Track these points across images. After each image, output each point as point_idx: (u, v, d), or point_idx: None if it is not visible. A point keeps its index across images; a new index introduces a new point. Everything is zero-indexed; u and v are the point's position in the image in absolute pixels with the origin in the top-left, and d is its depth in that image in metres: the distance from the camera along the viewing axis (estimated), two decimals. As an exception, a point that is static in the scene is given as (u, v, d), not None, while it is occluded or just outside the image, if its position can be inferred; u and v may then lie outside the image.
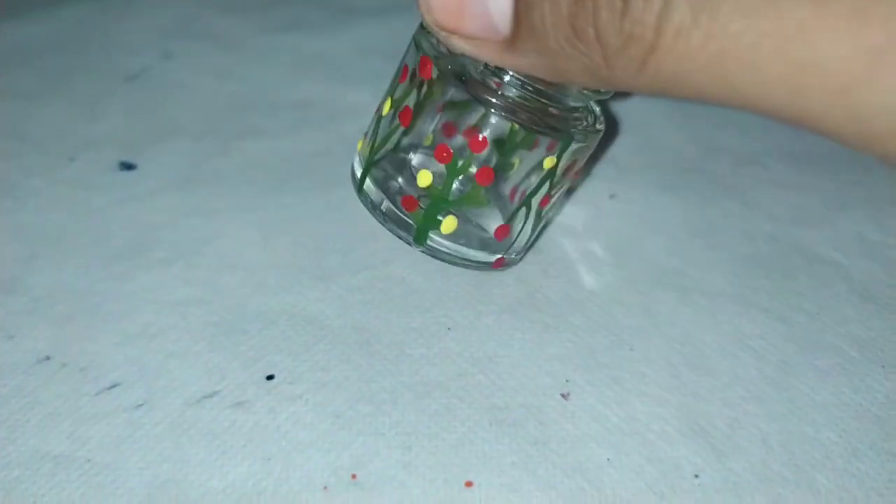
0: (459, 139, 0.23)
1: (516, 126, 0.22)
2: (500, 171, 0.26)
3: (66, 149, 0.31)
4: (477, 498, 0.20)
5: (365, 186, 0.24)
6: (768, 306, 0.25)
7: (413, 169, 0.24)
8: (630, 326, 0.25)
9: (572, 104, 0.22)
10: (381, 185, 0.24)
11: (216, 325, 0.24)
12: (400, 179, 0.24)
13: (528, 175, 0.24)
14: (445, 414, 0.22)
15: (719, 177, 0.31)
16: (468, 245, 0.24)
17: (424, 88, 0.22)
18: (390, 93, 0.24)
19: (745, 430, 0.22)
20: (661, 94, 0.17)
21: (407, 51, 0.23)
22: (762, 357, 0.24)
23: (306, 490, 0.20)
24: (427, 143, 0.24)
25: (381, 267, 0.26)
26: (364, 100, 0.34)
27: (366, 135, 0.25)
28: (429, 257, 0.26)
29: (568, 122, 0.22)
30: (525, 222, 0.24)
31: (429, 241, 0.23)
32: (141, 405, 0.22)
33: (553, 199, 0.24)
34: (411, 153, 0.24)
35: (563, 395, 0.23)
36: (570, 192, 0.28)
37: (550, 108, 0.22)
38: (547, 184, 0.23)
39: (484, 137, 0.22)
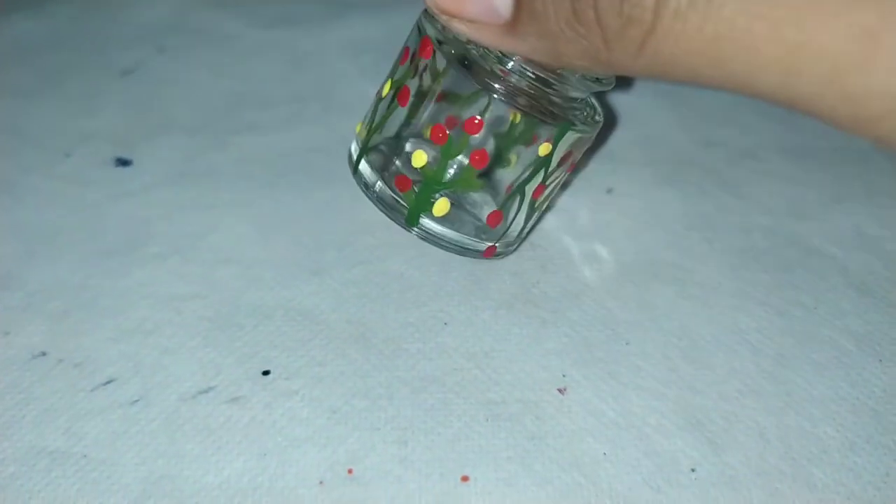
0: (454, 121, 0.23)
1: (517, 118, 0.22)
2: (497, 166, 0.26)
3: (62, 145, 0.31)
4: (473, 492, 0.20)
5: (360, 167, 0.24)
6: (765, 300, 0.25)
7: (406, 151, 0.24)
8: (627, 321, 0.25)
9: (573, 94, 0.22)
10: (376, 166, 0.24)
11: (211, 321, 0.24)
12: (396, 161, 0.24)
13: (525, 170, 0.23)
14: (442, 409, 0.22)
15: (716, 170, 0.31)
16: (459, 230, 0.24)
17: (426, 72, 0.22)
18: (391, 75, 0.24)
19: (742, 423, 0.22)
20: (658, 77, 0.17)
21: (410, 34, 0.23)
22: (759, 351, 0.24)
23: (302, 485, 0.20)
24: (421, 129, 0.24)
25: (377, 262, 0.26)
26: (359, 94, 0.33)
27: (365, 116, 0.25)
28: (424, 253, 0.26)
29: (567, 111, 0.22)
30: (518, 211, 0.24)
31: (420, 224, 0.23)
32: (136, 401, 0.22)
33: (547, 190, 0.24)
34: (408, 135, 0.24)
35: (559, 390, 0.23)
36: (564, 185, 0.28)
37: (551, 96, 0.22)
38: (541, 172, 0.23)
39: (480, 120, 0.22)
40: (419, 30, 0.23)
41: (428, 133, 0.24)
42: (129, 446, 0.21)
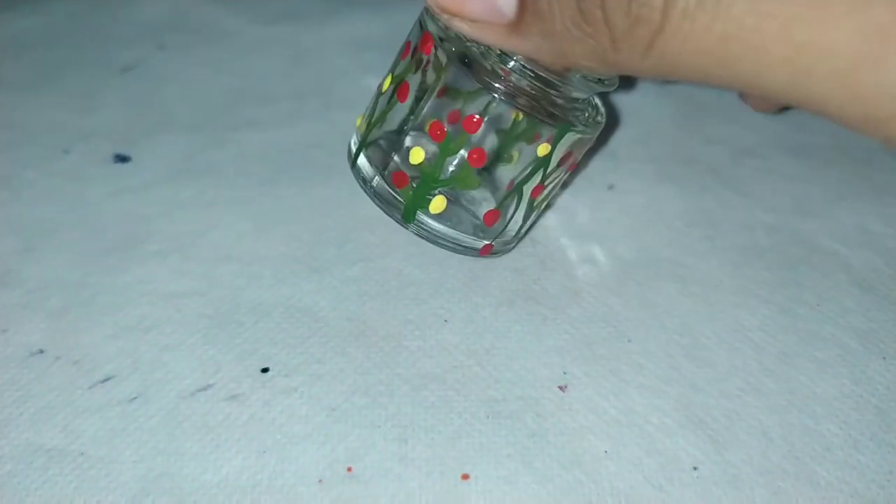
0: (453, 119, 0.23)
1: (519, 116, 0.22)
2: (498, 162, 0.25)
3: (61, 141, 0.31)
4: (473, 491, 0.20)
5: (358, 161, 0.24)
6: (768, 297, 0.25)
7: (405, 147, 0.24)
8: (628, 318, 0.24)
9: (575, 94, 0.22)
10: (375, 161, 0.24)
11: (210, 318, 0.24)
12: (395, 157, 0.24)
13: (526, 167, 0.23)
14: (442, 406, 0.22)
15: (718, 168, 0.31)
16: (456, 227, 0.24)
17: (429, 67, 0.22)
18: (392, 70, 0.24)
19: (745, 422, 0.22)
20: (665, 77, 0.17)
21: (412, 29, 0.23)
22: (762, 348, 0.24)
23: (301, 483, 0.20)
24: (419, 125, 0.24)
25: (376, 259, 0.26)
26: (360, 91, 0.33)
27: (365, 111, 0.25)
28: (424, 250, 0.26)
29: (568, 111, 0.22)
30: (516, 210, 0.24)
31: (417, 221, 0.23)
32: (135, 398, 0.22)
33: (546, 190, 0.24)
34: (406, 131, 0.24)
35: (560, 388, 0.22)
36: (564, 185, 0.28)
37: (553, 97, 0.22)
38: (540, 172, 0.23)
39: (479, 118, 0.21)
40: (420, 25, 0.22)
41: (422, 124, 0.24)
42: (127, 444, 0.21)
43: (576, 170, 0.26)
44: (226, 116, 0.32)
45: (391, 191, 0.24)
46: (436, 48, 0.22)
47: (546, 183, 0.23)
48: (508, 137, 0.24)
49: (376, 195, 0.24)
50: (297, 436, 0.21)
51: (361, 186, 0.24)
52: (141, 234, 0.27)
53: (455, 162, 0.23)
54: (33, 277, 0.25)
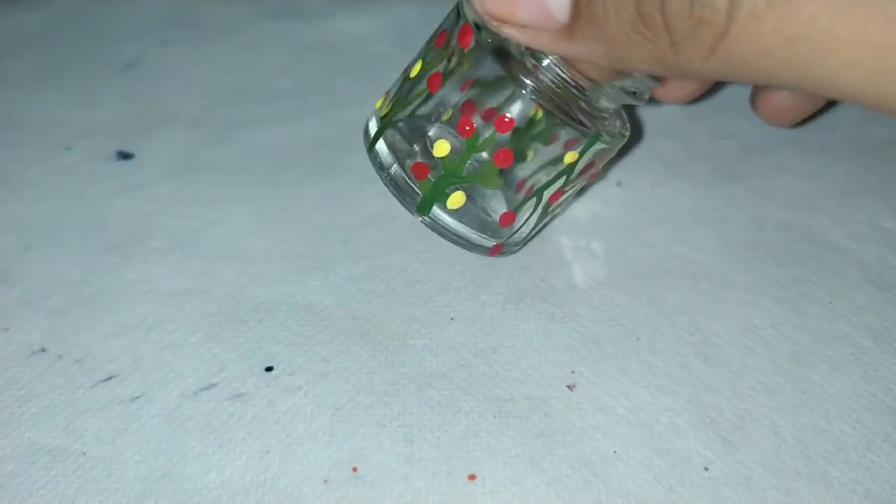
0: (484, 116, 0.22)
1: (539, 115, 0.21)
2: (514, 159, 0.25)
3: (63, 138, 0.30)
4: (480, 491, 0.20)
5: (377, 146, 0.24)
6: (779, 295, 0.25)
7: (429, 138, 0.23)
8: (637, 316, 0.24)
9: (603, 104, 0.22)
10: (394, 147, 0.23)
11: (214, 316, 0.24)
12: (415, 146, 0.23)
13: (540, 169, 0.23)
14: (448, 406, 0.22)
15: (727, 163, 0.30)
16: (469, 225, 0.23)
17: (457, 57, 0.22)
18: (422, 56, 0.23)
19: (757, 421, 0.21)
20: (728, 79, 0.16)
21: (447, 16, 0.22)
22: (773, 347, 0.23)
23: (306, 484, 0.20)
24: (445, 117, 0.23)
25: (381, 256, 0.26)
26: (363, 87, 0.33)
27: (387, 93, 0.24)
28: (431, 247, 0.25)
29: (597, 120, 0.22)
30: (532, 213, 0.23)
31: (431, 214, 0.23)
32: (137, 397, 0.22)
33: (563, 196, 0.24)
34: (431, 121, 0.23)
35: (568, 387, 0.22)
36: (581, 191, 0.27)
37: (581, 102, 0.21)
38: (563, 178, 0.22)
39: (511, 118, 0.21)
40: (458, 13, 0.22)
41: (448, 116, 0.23)
42: (129, 444, 0.21)
43: (596, 178, 0.26)
44: (228, 113, 0.32)
45: (408, 180, 0.23)
46: (475, 41, 0.21)
47: (565, 189, 0.23)
48: (525, 136, 0.24)
49: (392, 182, 0.23)
50: (302, 435, 0.21)
51: (377, 172, 0.24)
52: (143, 232, 0.26)
53: (479, 160, 0.23)
54: (34, 275, 0.25)
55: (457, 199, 0.22)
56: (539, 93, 0.21)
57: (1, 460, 0.20)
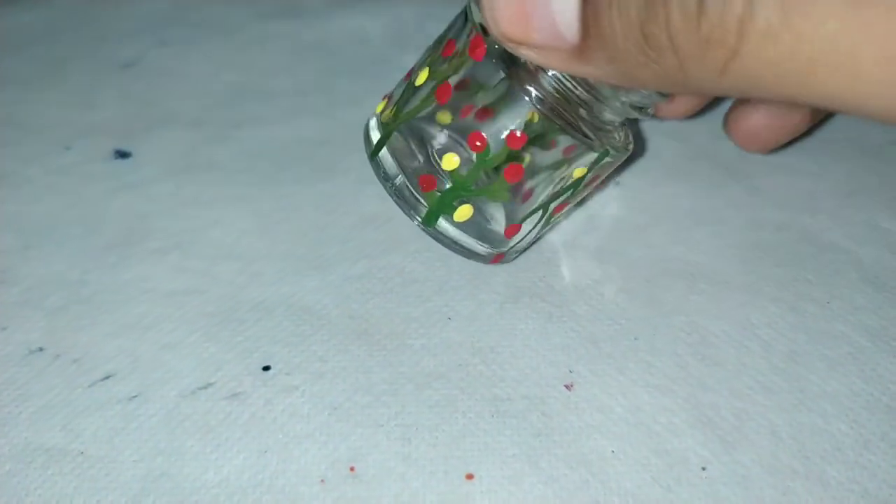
0: (495, 129, 0.21)
1: (535, 118, 0.21)
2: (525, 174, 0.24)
3: (62, 137, 0.30)
4: (478, 491, 0.20)
5: (381, 155, 0.23)
6: (777, 295, 0.25)
7: (435, 147, 0.23)
8: (635, 316, 0.24)
9: (607, 116, 0.21)
10: (398, 155, 0.23)
11: (211, 316, 0.24)
12: (420, 156, 0.23)
13: (546, 179, 0.22)
14: (446, 405, 0.22)
15: (726, 163, 0.30)
16: (471, 235, 0.23)
17: (467, 69, 0.21)
18: (428, 63, 0.22)
19: (754, 421, 0.21)
20: (743, 96, 0.16)
21: (454, 22, 0.22)
22: (771, 346, 0.23)
23: (303, 483, 0.20)
24: (445, 120, 0.22)
25: (380, 256, 0.26)
26: (363, 87, 0.33)
27: (388, 97, 0.24)
28: (428, 247, 0.25)
29: (601, 132, 0.21)
30: (536, 224, 0.23)
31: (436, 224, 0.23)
32: (135, 397, 0.22)
33: (567, 207, 0.24)
34: (435, 131, 0.23)
35: (566, 386, 0.22)
36: (581, 201, 0.27)
37: (582, 113, 0.21)
38: (570, 192, 0.22)
39: (523, 134, 0.20)
40: (465, 18, 0.21)
41: (443, 118, 0.23)
42: (127, 443, 0.21)
43: (600, 188, 0.26)
44: (227, 112, 0.32)
45: (413, 191, 0.22)
46: (488, 55, 0.20)
47: (570, 201, 0.23)
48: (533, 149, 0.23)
49: (396, 193, 0.23)
50: (299, 435, 0.21)
51: (380, 180, 0.23)
52: (141, 232, 0.26)
53: (488, 173, 0.22)
54: (32, 275, 0.25)
55: (464, 211, 0.22)
56: (540, 101, 0.20)
57: (-2, 459, 0.20)
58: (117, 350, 0.23)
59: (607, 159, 0.22)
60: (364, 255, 0.26)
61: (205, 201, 0.28)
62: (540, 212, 0.23)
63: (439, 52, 0.22)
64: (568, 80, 0.20)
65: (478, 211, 0.23)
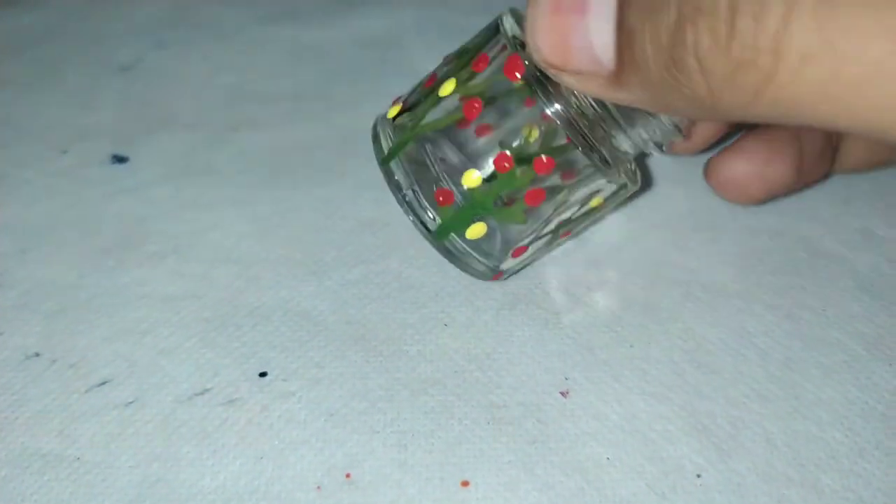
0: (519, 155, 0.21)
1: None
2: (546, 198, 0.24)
3: (59, 140, 0.30)
4: (473, 497, 0.20)
5: (392, 164, 0.22)
6: (773, 302, 0.25)
7: (456, 164, 0.22)
8: (630, 323, 0.24)
9: (625, 148, 0.21)
10: (412, 164, 0.22)
11: (208, 321, 0.24)
12: (436, 168, 0.22)
13: (558, 199, 0.22)
14: (442, 412, 0.22)
15: (723, 170, 0.30)
16: (478, 252, 0.23)
17: (500, 85, 0.20)
18: (454, 74, 0.21)
19: (749, 428, 0.21)
20: (780, 123, 0.15)
21: (484, 33, 0.21)
22: (766, 354, 0.23)
23: (299, 489, 0.20)
24: (470, 135, 0.22)
25: (377, 262, 0.26)
26: (361, 91, 0.33)
27: (401, 101, 0.23)
28: (425, 253, 0.25)
29: (619, 163, 0.21)
30: (543, 247, 0.23)
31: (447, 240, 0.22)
32: (131, 402, 0.22)
33: (573, 233, 0.24)
34: (458, 145, 0.22)
35: (562, 393, 0.22)
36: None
37: (597, 136, 0.20)
38: (584, 221, 0.23)
39: (549, 159, 0.20)
40: (497, 29, 0.20)
41: (468, 133, 0.22)
42: (123, 449, 0.21)
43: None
44: (225, 116, 0.32)
45: (426, 203, 0.22)
46: (524, 76, 0.20)
47: (579, 227, 0.24)
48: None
49: (406, 204, 0.22)
50: (295, 441, 0.21)
51: (388, 186, 0.23)
52: (138, 236, 0.26)
53: (508, 195, 0.22)
54: (29, 279, 0.25)
55: (477, 229, 0.22)
56: (577, 130, 0.20)
57: (-6, 465, 0.20)
58: (114, 355, 0.23)
59: (623, 191, 0.22)
60: (361, 261, 0.26)
61: (202, 205, 0.28)
62: (550, 236, 0.23)
63: (469, 65, 0.21)
64: (598, 108, 0.20)
65: (489, 230, 0.22)
